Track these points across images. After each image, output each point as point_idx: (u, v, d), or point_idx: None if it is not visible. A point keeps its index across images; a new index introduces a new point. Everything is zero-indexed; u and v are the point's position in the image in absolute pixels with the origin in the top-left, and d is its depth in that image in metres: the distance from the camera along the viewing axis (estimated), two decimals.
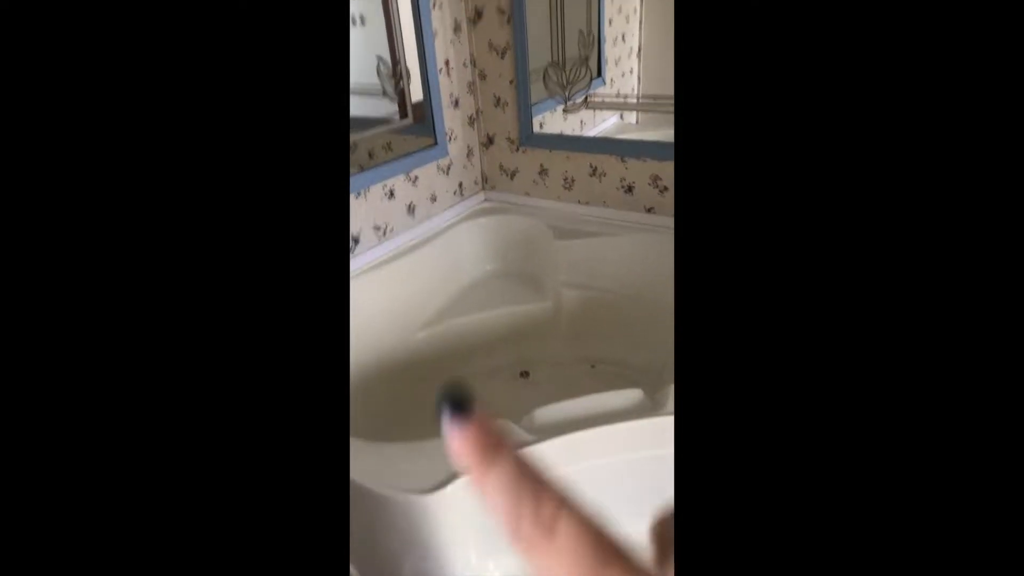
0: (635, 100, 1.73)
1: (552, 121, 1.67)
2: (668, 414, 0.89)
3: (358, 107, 1.50)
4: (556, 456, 0.88)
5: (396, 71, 1.49)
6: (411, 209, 1.57)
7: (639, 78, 1.76)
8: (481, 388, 1.52)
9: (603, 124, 1.73)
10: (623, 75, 1.74)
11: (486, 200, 1.83)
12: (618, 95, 1.72)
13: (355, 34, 1.45)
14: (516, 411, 1.45)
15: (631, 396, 0.95)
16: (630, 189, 1.56)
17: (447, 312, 1.57)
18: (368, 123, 1.50)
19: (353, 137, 1.45)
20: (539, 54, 1.57)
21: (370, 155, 1.51)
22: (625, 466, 0.92)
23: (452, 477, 0.82)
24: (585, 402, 0.94)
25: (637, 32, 1.75)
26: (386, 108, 1.52)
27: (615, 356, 1.56)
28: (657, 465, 0.86)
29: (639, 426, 0.89)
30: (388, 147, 1.56)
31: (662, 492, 0.91)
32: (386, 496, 0.81)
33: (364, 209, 1.43)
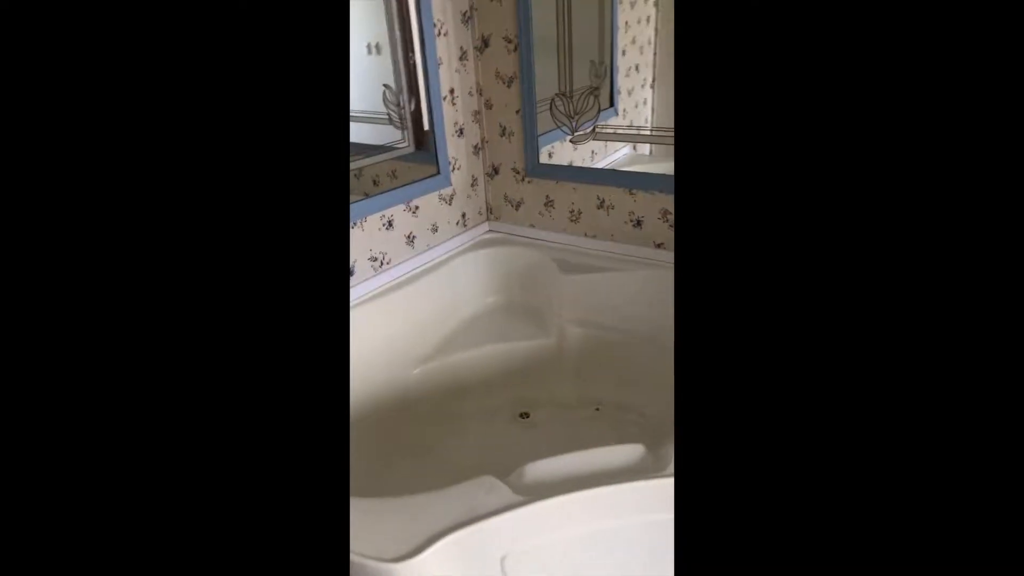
0: (647, 131, 1.67)
1: (562, 151, 1.62)
2: (670, 475, 0.81)
3: (365, 134, 1.46)
4: (546, 519, 0.80)
5: (399, 99, 1.46)
6: (411, 239, 1.52)
7: (653, 109, 1.71)
8: (478, 430, 1.44)
9: (614, 155, 1.67)
10: (636, 106, 1.69)
11: (490, 231, 1.77)
12: (630, 126, 1.67)
13: (368, 62, 1.42)
14: (514, 456, 1.37)
15: (631, 452, 0.87)
16: (639, 223, 1.49)
17: (445, 347, 1.50)
18: (372, 150, 1.46)
19: (358, 164, 1.41)
20: (548, 84, 1.53)
21: (375, 182, 1.47)
22: (621, 532, 0.83)
23: (429, 542, 0.74)
24: (580, 458, 0.86)
25: (652, 63, 1.70)
26: (392, 136, 1.49)
27: (621, 399, 1.47)
28: (656, 532, 0.77)
29: (638, 488, 0.80)
30: (393, 175, 1.52)
31: (660, 562, 0.82)
32: (354, 562, 0.73)
33: (361, 239, 1.38)
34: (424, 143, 1.52)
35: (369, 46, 1.43)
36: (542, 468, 0.85)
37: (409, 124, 1.49)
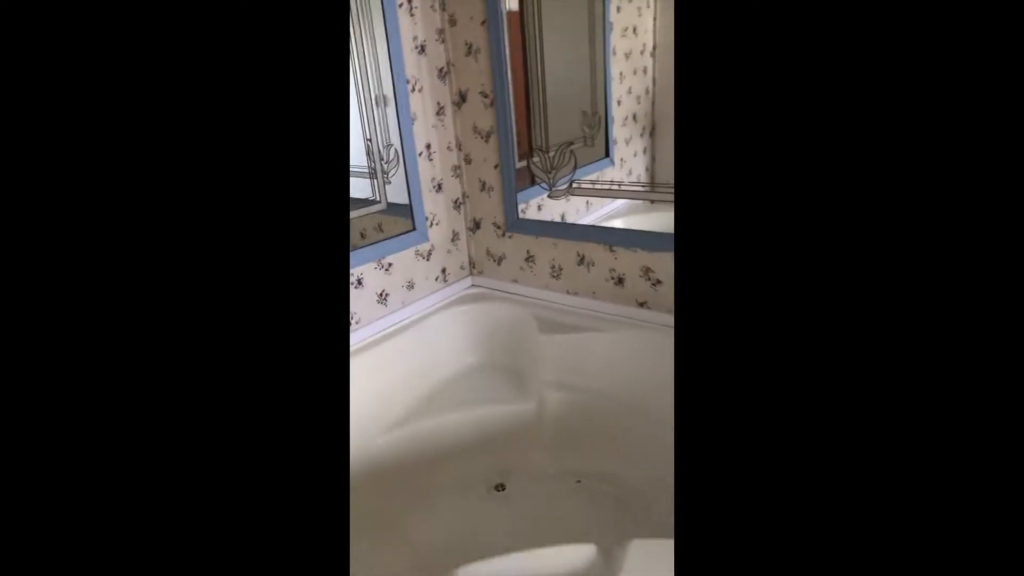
0: (629, 186, 1.61)
1: (552, 204, 1.56)
2: None
3: (355, 188, 1.43)
4: None
5: (372, 154, 1.43)
6: (383, 297, 1.46)
7: (653, 157, 1.65)
8: (449, 504, 1.34)
9: (612, 205, 1.61)
10: (635, 155, 1.64)
11: (473, 286, 1.71)
12: (610, 182, 1.61)
13: (364, 114, 1.40)
14: (486, 535, 1.27)
15: (581, 555, 0.76)
16: (620, 281, 1.41)
17: (417, 412, 1.42)
18: (353, 204, 1.43)
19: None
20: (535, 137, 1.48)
21: (362, 235, 1.43)
22: None
23: None
24: (522, 561, 0.76)
25: (650, 112, 1.65)
26: (372, 189, 1.45)
27: (603, 469, 1.36)
28: None
29: None
30: (379, 228, 1.48)
31: None
32: None
33: None
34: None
35: (376, 98, 1.41)
36: (480, 572, 0.76)
37: (382, 179, 1.46)
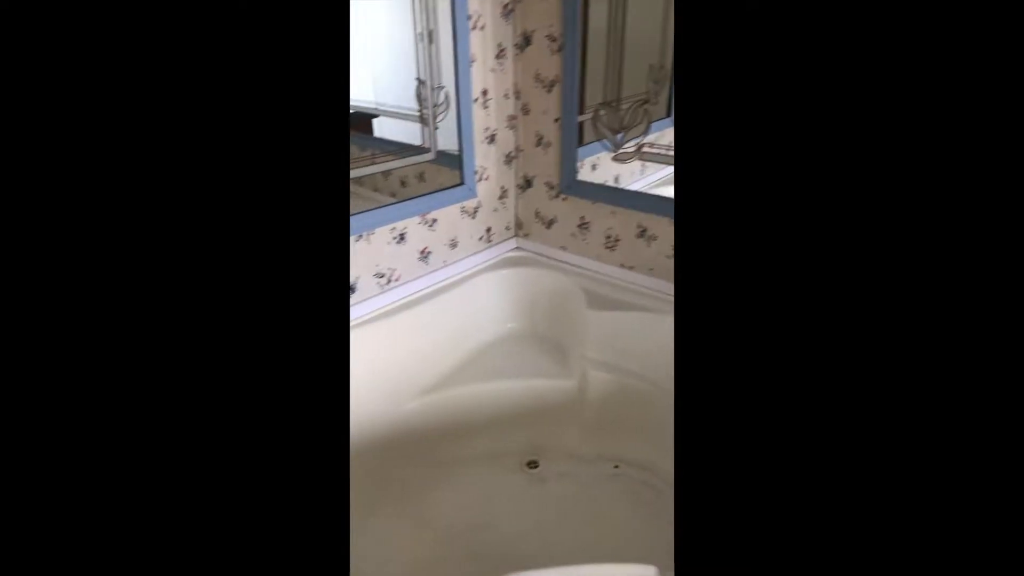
0: None
1: (607, 165, 1.42)
2: None
3: (396, 131, 1.32)
4: None
5: (423, 97, 1.31)
6: (425, 255, 1.36)
7: None
8: (477, 478, 1.28)
9: (664, 171, 1.46)
10: None
11: (517, 248, 1.60)
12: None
13: (410, 51, 1.27)
14: (515, 515, 1.21)
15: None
16: None
17: (451, 378, 1.34)
18: (396, 150, 1.32)
19: (384, 166, 1.27)
20: (596, 90, 1.34)
21: (402, 183, 1.33)
22: None
23: None
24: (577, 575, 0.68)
25: None
26: (423, 135, 1.34)
27: (642, 457, 1.28)
28: None
29: None
30: (421, 177, 1.37)
31: None
32: None
33: (366, 253, 1.24)
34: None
35: (421, 33, 1.28)
36: None
37: (431, 124, 1.34)
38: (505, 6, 1.33)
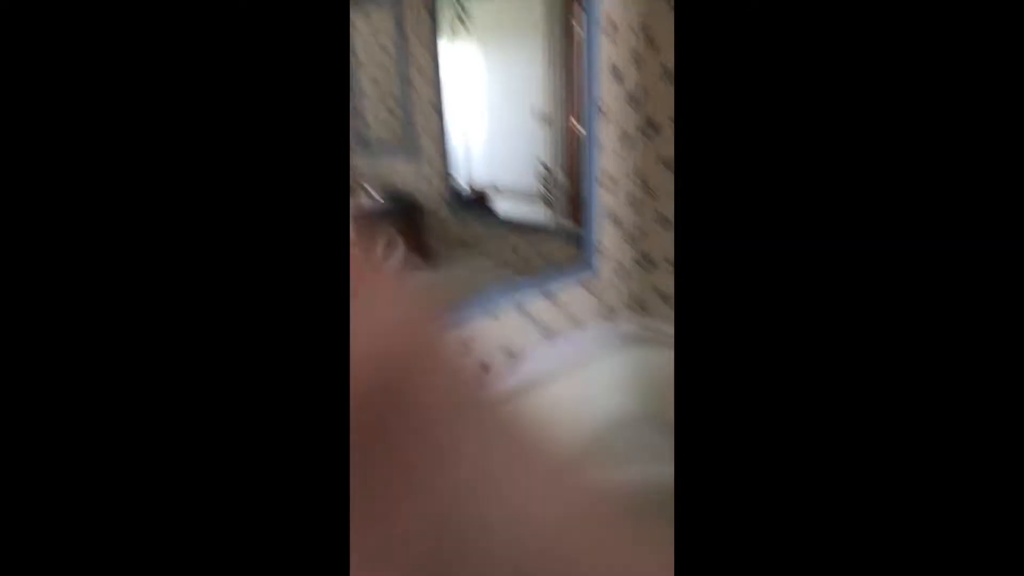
0: None
1: None
2: None
3: (519, 209, 1.38)
4: None
5: (550, 177, 1.36)
6: (548, 332, 1.37)
7: None
8: None
9: None
10: None
11: (638, 327, 1.57)
12: None
13: (530, 129, 1.36)
14: None
15: None
16: None
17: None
18: (523, 226, 1.37)
19: (510, 243, 1.33)
20: None
21: (524, 259, 1.37)
22: None
23: None
24: None
25: None
26: (545, 214, 1.39)
27: None
28: None
29: None
30: (543, 255, 1.41)
31: None
32: None
33: (494, 331, 1.26)
34: (575, 223, 1.40)
35: (542, 115, 1.36)
36: None
37: (559, 205, 1.38)
38: (632, 95, 1.38)
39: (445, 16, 1.19)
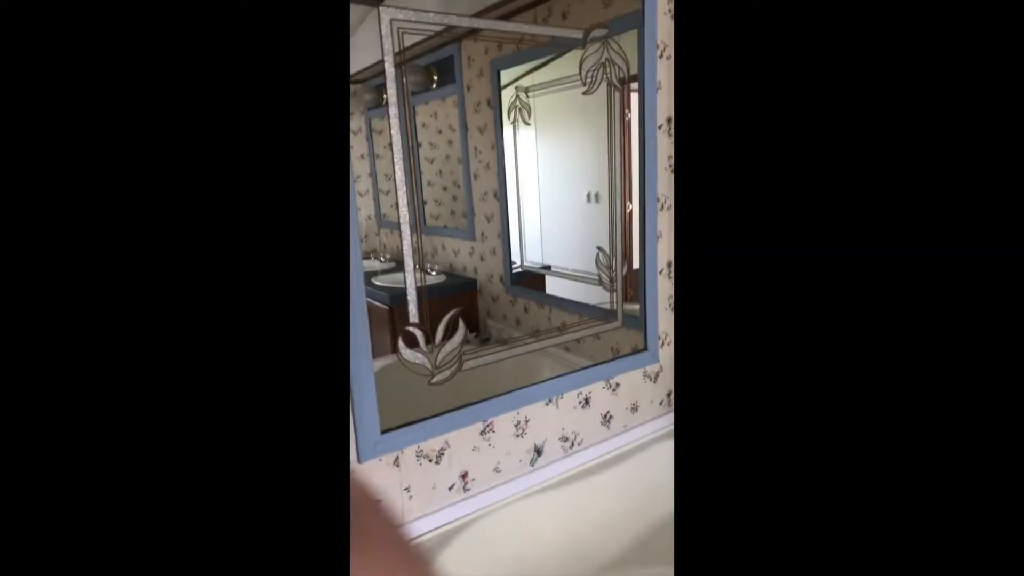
0: None
1: None
2: None
3: (578, 291, 1.42)
4: None
5: (611, 263, 1.40)
6: (607, 419, 1.37)
7: None
8: None
9: None
10: None
11: None
12: None
13: (587, 211, 1.41)
14: None
15: None
16: None
17: (629, 557, 1.27)
18: (581, 310, 1.41)
19: (576, 334, 1.36)
20: None
21: (578, 341, 1.39)
22: None
23: None
24: None
25: None
26: (603, 298, 1.42)
27: None
28: None
29: None
30: (597, 337, 1.43)
31: None
32: None
33: (554, 417, 1.28)
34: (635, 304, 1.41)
35: (589, 195, 1.42)
36: None
37: (619, 293, 1.41)
38: None
39: (506, 108, 1.28)
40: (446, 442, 1.11)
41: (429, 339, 1.07)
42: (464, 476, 1.15)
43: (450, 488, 1.13)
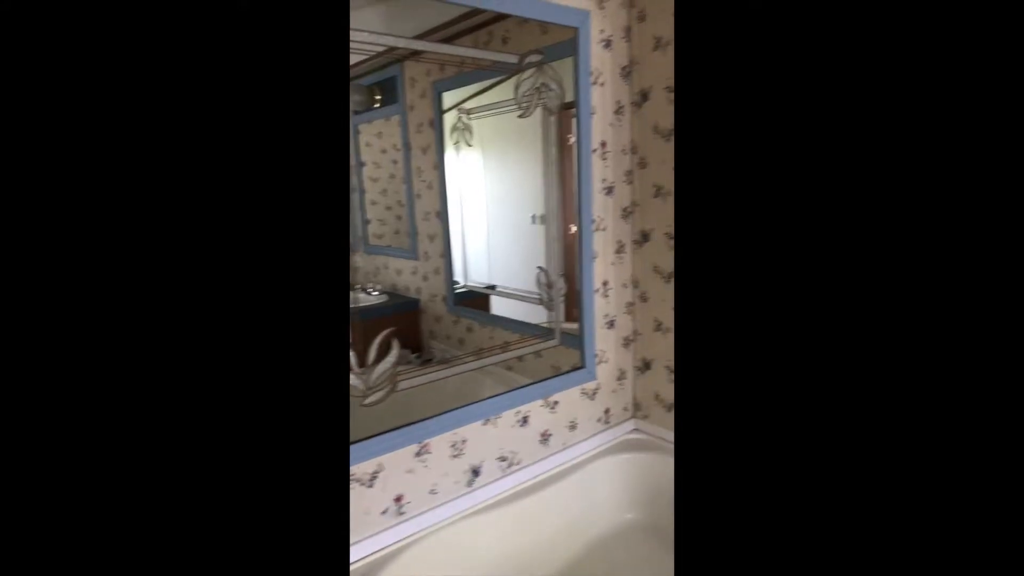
0: None
1: None
2: None
3: (523, 310, 1.43)
4: None
5: (550, 283, 1.42)
6: (546, 438, 1.38)
7: None
8: None
9: None
10: None
11: (635, 430, 1.58)
12: None
13: (531, 232, 1.42)
14: None
15: None
16: None
17: (569, 572, 1.27)
18: (520, 328, 1.42)
19: (516, 352, 1.36)
20: None
21: (520, 359, 1.40)
22: None
23: None
24: None
25: None
26: (546, 316, 1.43)
27: None
28: None
29: None
30: (538, 355, 1.44)
31: None
32: None
33: (491, 436, 1.27)
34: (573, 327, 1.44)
35: (534, 216, 1.44)
36: None
37: (557, 312, 1.43)
38: (624, 209, 1.47)
39: (449, 129, 1.29)
40: (379, 464, 1.09)
41: (362, 361, 1.05)
42: (399, 499, 1.12)
43: (383, 512, 1.10)
